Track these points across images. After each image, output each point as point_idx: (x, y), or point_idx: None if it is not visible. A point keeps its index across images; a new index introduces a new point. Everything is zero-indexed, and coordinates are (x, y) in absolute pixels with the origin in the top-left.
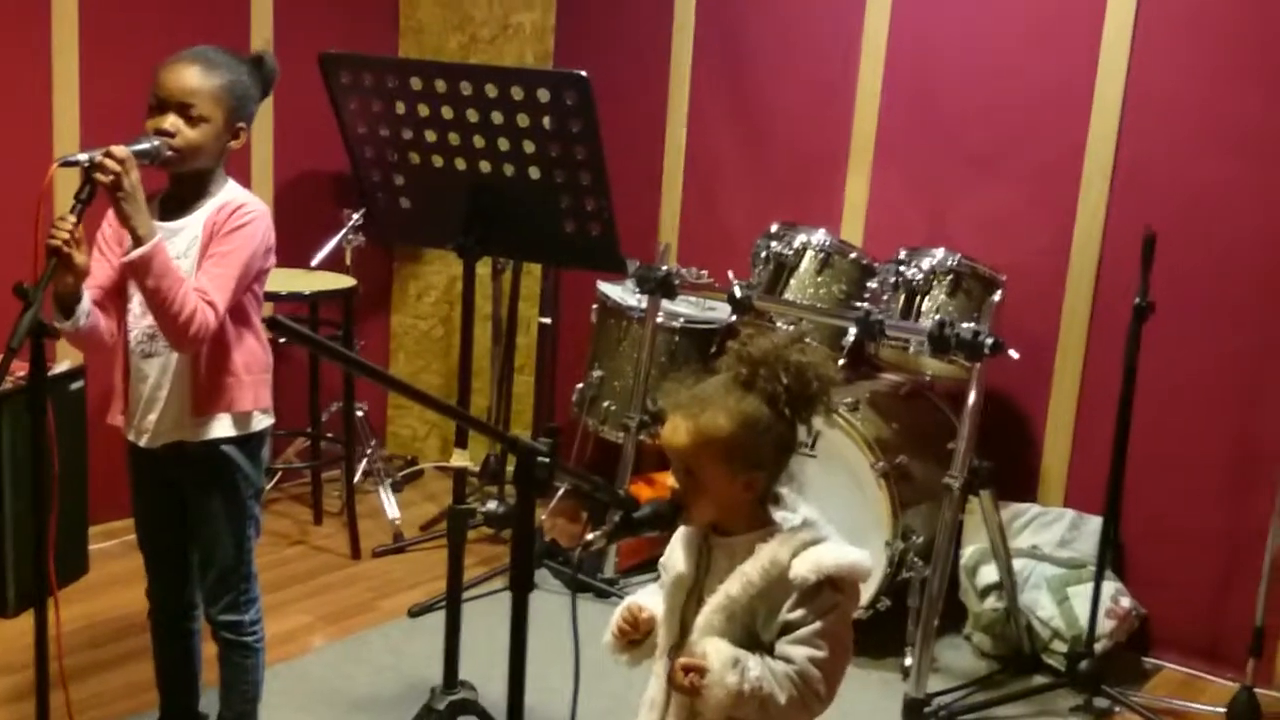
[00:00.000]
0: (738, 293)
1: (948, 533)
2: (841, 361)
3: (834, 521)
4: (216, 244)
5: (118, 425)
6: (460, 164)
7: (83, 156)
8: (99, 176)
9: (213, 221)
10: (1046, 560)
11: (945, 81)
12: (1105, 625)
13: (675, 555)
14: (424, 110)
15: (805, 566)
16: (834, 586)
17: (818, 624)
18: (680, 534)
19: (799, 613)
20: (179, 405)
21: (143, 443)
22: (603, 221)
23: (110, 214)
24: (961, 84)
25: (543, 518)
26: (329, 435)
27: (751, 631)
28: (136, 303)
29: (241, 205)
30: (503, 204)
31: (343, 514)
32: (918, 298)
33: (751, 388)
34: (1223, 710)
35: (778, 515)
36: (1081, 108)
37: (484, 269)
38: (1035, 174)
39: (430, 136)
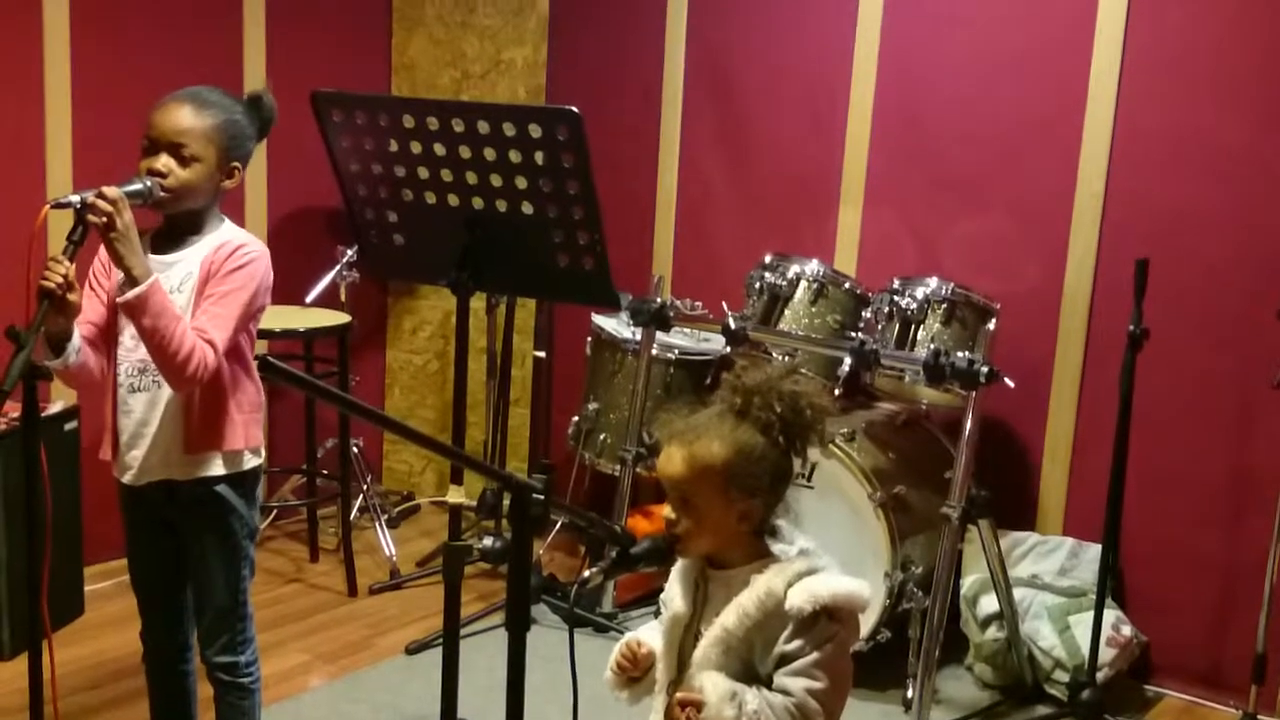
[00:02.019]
0: (732, 324)
1: (947, 563)
2: (837, 391)
3: (832, 553)
4: (216, 283)
5: (107, 460)
6: (453, 200)
7: (75, 198)
8: (91, 218)
9: (210, 260)
10: (1046, 589)
11: (935, 111)
12: (1106, 654)
13: (673, 590)
14: (416, 147)
15: (800, 597)
16: (831, 616)
17: (815, 655)
18: (678, 568)
19: (795, 644)
20: (169, 442)
21: (127, 479)
22: (596, 255)
23: (102, 249)
24: (952, 113)
25: (540, 552)
26: (324, 472)
27: (749, 664)
28: (128, 336)
29: (242, 245)
30: (496, 239)
31: (339, 551)
32: (912, 327)
33: (746, 416)
34: None
35: (775, 547)
36: (1072, 137)
37: (478, 303)
38: (1027, 203)
39: (423, 173)
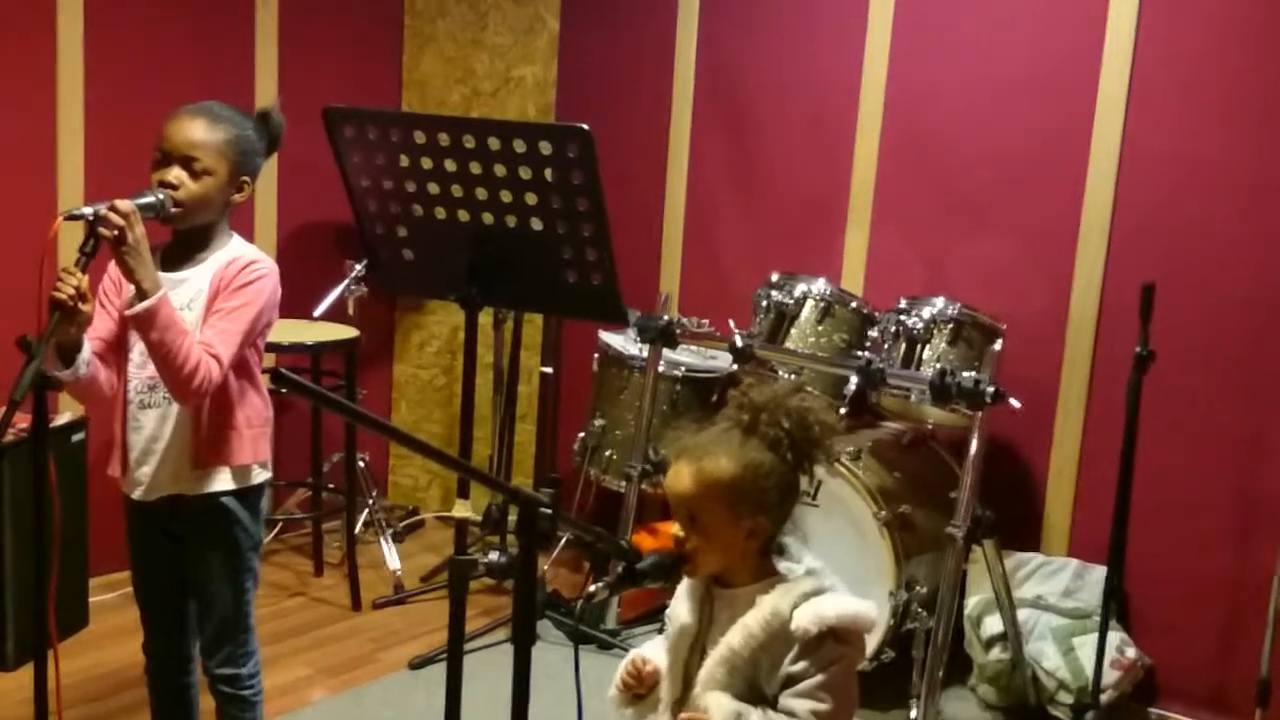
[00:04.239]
0: (739, 342)
1: (951, 583)
2: (843, 410)
3: (837, 571)
4: (225, 299)
5: (115, 476)
6: (463, 216)
7: (87, 210)
8: (103, 231)
9: (220, 276)
10: (1051, 610)
11: (943, 132)
12: (1111, 676)
13: (679, 607)
14: (427, 163)
15: (806, 618)
16: (837, 638)
17: (820, 676)
18: (685, 586)
19: (801, 665)
20: (177, 457)
21: (136, 495)
22: (604, 272)
23: (112, 265)
24: (959, 135)
25: (545, 568)
26: (330, 486)
27: (754, 684)
28: (137, 352)
29: (252, 262)
30: (505, 255)
31: (343, 565)
32: (919, 346)
33: (754, 433)
34: None
35: (782, 566)
36: (1079, 158)
37: (485, 319)
38: (1034, 224)
39: (433, 189)
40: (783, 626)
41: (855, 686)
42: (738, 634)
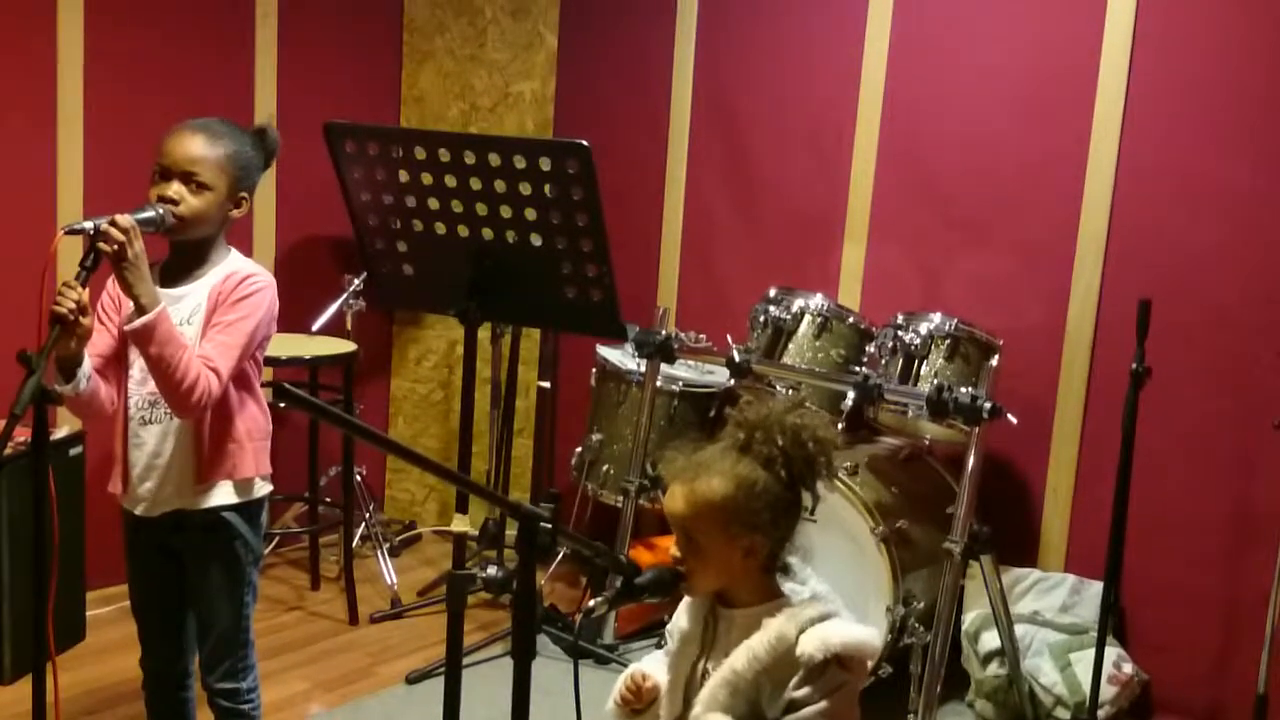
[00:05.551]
0: (736, 356)
1: (949, 598)
2: (840, 425)
3: (834, 587)
4: (223, 312)
5: (117, 493)
6: (463, 231)
7: (88, 224)
8: (102, 246)
9: (218, 290)
10: (1048, 626)
11: (940, 148)
12: (1108, 692)
13: (681, 624)
14: (427, 179)
15: (812, 644)
16: (841, 665)
17: (823, 703)
18: (688, 601)
19: (804, 691)
20: (180, 473)
21: (139, 510)
22: (603, 287)
23: (110, 282)
24: (956, 150)
25: (542, 583)
26: (327, 500)
27: (755, 707)
28: (137, 369)
29: (249, 276)
30: (505, 270)
31: (340, 579)
32: (916, 362)
33: (748, 451)
34: None
35: (786, 587)
36: (1076, 174)
37: (483, 333)
38: (1030, 239)
39: (433, 204)
40: (788, 651)
41: (857, 713)
42: (742, 656)
